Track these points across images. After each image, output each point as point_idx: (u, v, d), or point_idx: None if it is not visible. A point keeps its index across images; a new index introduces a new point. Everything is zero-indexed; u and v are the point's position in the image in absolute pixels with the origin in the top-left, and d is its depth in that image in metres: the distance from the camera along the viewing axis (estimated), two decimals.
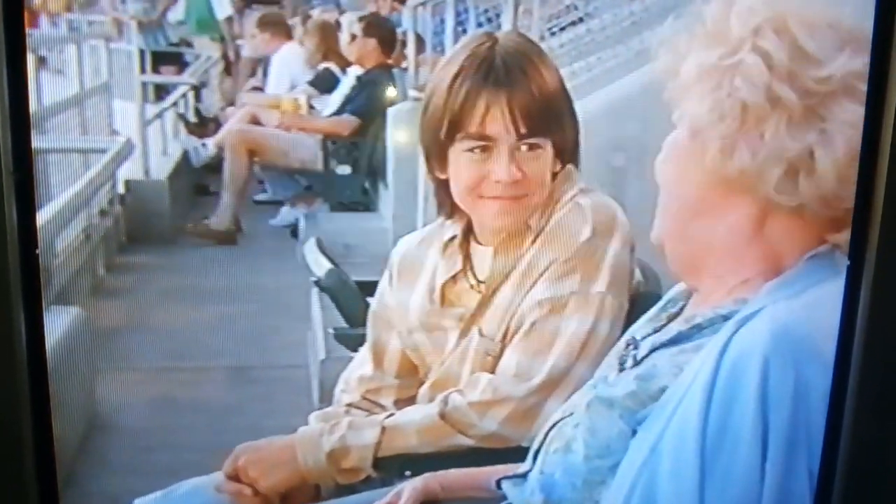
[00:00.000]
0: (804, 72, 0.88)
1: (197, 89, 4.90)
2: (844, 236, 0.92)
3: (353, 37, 3.99)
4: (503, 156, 1.30)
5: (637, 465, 0.93)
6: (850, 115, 0.87)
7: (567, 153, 1.36)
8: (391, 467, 1.33)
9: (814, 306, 0.91)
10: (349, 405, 1.46)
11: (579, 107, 1.39)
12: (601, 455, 0.99)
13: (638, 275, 1.37)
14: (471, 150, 1.31)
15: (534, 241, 1.35)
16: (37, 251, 0.85)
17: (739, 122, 0.90)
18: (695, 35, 0.95)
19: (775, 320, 0.88)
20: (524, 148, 1.31)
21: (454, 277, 1.40)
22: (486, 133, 1.30)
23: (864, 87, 0.86)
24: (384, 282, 1.49)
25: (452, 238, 1.41)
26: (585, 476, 1.01)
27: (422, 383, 1.45)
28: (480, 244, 1.39)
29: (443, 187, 1.37)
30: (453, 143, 1.32)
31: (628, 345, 1.09)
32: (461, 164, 1.33)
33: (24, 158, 0.81)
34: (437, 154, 1.35)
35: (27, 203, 0.83)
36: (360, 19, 4.00)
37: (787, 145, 0.88)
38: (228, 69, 5.06)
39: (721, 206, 0.95)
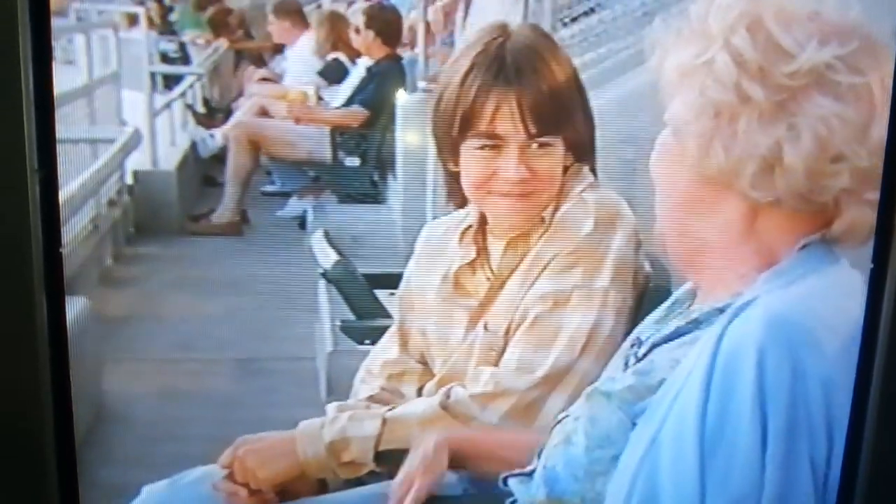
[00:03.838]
0: (776, 67, 0.87)
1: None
2: (836, 229, 0.92)
3: (357, 29, 3.98)
4: (512, 154, 1.30)
5: (637, 458, 0.93)
6: (818, 110, 0.86)
7: (580, 149, 1.36)
8: (393, 461, 1.32)
9: (808, 295, 0.90)
10: (370, 398, 1.46)
11: (590, 98, 1.37)
12: (602, 445, 0.99)
13: (647, 269, 1.37)
14: (481, 147, 1.31)
15: (541, 236, 1.35)
16: (61, 249, 0.84)
17: (713, 120, 0.91)
18: (680, 34, 0.95)
19: (769, 309, 0.87)
20: (534, 146, 1.31)
21: (470, 265, 1.41)
22: (496, 132, 1.30)
23: (839, 80, 0.86)
24: (410, 265, 1.49)
25: (469, 227, 1.42)
26: (587, 467, 1.01)
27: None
28: (495, 236, 1.39)
29: (454, 179, 1.38)
30: (465, 140, 1.33)
31: (633, 345, 1.10)
32: (471, 160, 1.34)
33: (48, 156, 0.80)
34: (449, 148, 1.36)
35: (51, 200, 0.82)
36: (363, 12, 3.98)
37: (758, 141, 0.88)
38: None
39: (711, 203, 0.96)
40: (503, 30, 1.35)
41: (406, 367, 1.47)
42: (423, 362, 1.47)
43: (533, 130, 1.29)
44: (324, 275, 2.05)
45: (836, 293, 0.91)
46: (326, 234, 2.13)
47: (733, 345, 0.87)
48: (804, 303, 0.89)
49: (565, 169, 1.35)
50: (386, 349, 1.50)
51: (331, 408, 1.42)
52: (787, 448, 0.86)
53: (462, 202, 1.41)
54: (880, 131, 0.86)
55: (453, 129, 1.33)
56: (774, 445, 0.85)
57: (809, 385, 0.85)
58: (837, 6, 0.89)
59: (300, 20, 4.46)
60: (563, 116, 1.32)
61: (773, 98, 0.87)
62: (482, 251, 1.41)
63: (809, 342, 0.86)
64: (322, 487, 1.37)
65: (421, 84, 3.59)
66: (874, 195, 0.88)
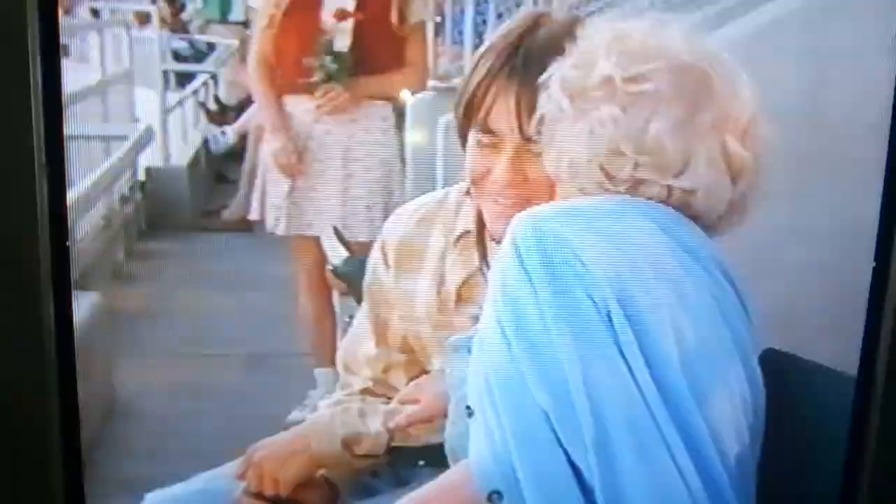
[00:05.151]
0: (587, 81, 1.04)
1: (216, 78, 4.90)
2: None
3: None
4: (506, 155, 1.20)
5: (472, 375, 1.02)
6: (601, 113, 1.01)
7: None
8: (405, 455, 1.33)
9: (570, 205, 1.02)
10: (363, 391, 1.42)
11: None
12: (460, 386, 1.08)
13: None
14: (479, 141, 1.23)
15: None
16: (67, 244, 0.85)
17: (549, 124, 1.08)
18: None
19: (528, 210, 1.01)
20: (530, 151, 1.18)
21: (470, 274, 1.34)
22: (490, 127, 1.21)
23: (623, 88, 1.00)
24: (376, 255, 1.40)
25: (466, 232, 1.34)
26: (455, 411, 1.12)
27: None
28: (496, 241, 1.36)
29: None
30: (469, 129, 1.25)
31: None
32: (471, 152, 1.25)
33: (56, 151, 0.81)
34: (461, 133, 1.27)
35: (59, 196, 0.83)
36: None
37: (565, 140, 1.05)
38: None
39: (566, 191, 1.09)
40: (537, 20, 1.22)
41: (389, 361, 1.39)
42: (406, 350, 1.39)
43: (528, 132, 1.15)
44: (333, 270, 2.05)
45: (599, 206, 1.00)
46: (336, 230, 2.13)
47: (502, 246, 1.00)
48: (561, 205, 1.03)
49: None
50: (361, 342, 1.41)
51: (322, 405, 1.39)
52: (555, 293, 0.93)
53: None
54: (655, 133, 0.99)
55: (459, 113, 1.24)
56: (545, 294, 0.93)
57: (561, 247, 0.94)
58: (664, 40, 1.04)
59: None
60: None
61: (577, 107, 1.04)
62: (483, 259, 1.32)
63: (554, 214, 0.98)
64: (333, 497, 1.35)
65: (430, 83, 3.58)
66: (674, 182, 1.00)
